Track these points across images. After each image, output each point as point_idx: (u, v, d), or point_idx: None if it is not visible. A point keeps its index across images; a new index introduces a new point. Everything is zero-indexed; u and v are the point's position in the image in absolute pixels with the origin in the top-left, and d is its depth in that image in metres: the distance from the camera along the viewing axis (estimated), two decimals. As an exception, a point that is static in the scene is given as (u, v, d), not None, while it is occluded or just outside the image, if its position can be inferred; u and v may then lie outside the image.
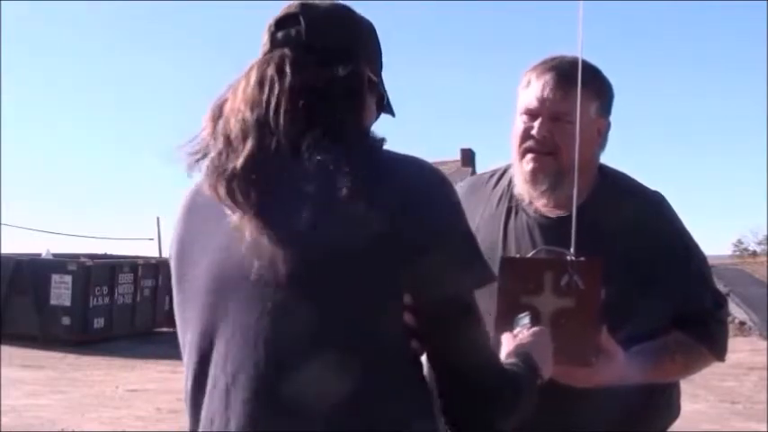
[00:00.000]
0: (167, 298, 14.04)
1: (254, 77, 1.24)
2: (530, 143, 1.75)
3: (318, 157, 1.18)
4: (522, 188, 1.79)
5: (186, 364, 1.26)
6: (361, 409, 1.14)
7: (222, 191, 1.19)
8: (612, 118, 1.83)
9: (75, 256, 13.52)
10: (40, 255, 13.47)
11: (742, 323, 14.47)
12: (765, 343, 12.35)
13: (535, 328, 1.45)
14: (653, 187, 1.86)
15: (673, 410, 1.89)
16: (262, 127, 1.20)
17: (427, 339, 1.20)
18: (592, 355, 1.55)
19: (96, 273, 12.49)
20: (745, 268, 26.45)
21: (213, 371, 1.20)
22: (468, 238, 1.23)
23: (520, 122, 1.78)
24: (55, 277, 12.22)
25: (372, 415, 1.15)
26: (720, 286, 2.08)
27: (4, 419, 6.66)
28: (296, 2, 1.30)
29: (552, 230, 1.74)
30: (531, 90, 1.76)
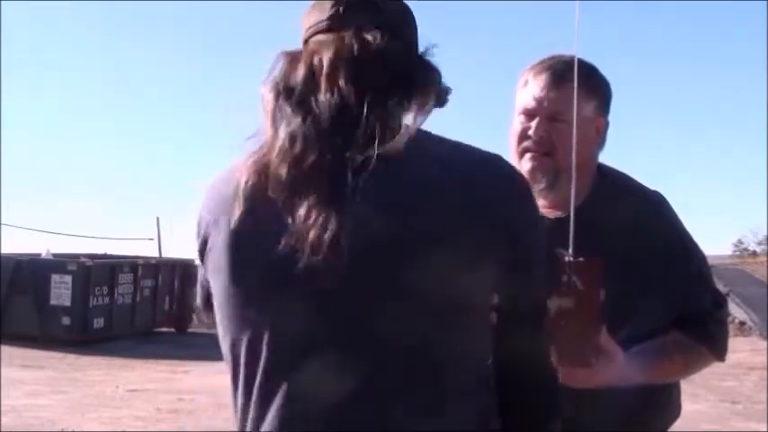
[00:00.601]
0: (167, 298, 14.06)
1: (325, 58, 1.18)
2: (527, 143, 1.75)
3: (406, 145, 1.15)
4: None
5: (246, 363, 1.18)
6: (449, 407, 1.14)
7: (290, 174, 1.13)
8: (613, 117, 1.83)
9: (76, 256, 13.52)
10: (40, 255, 13.48)
11: (742, 323, 14.48)
12: (765, 343, 12.35)
13: None
14: (653, 187, 1.86)
15: (673, 410, 1.89)
16: (339, 110, 1.15)
17: (500, 339, 1.20)
18: (591, 356, 1.55)
19: (96, 273, 12.49)
20: (745, 268, 26.46)
21: (291, 372, 1.15)
22: (544, 240, 1.24)
23: (517, 122, 1.78)
24: (55, 277, 12.22)
25: (461, 413, 1.15)
26: (720, 286, 2.08)
27: (4, 419, 6.66)
28: None
29: (551, 231, 1.74)
30: (529, 90, 1.76)
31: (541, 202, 1.77)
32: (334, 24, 1.22)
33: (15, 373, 9.20)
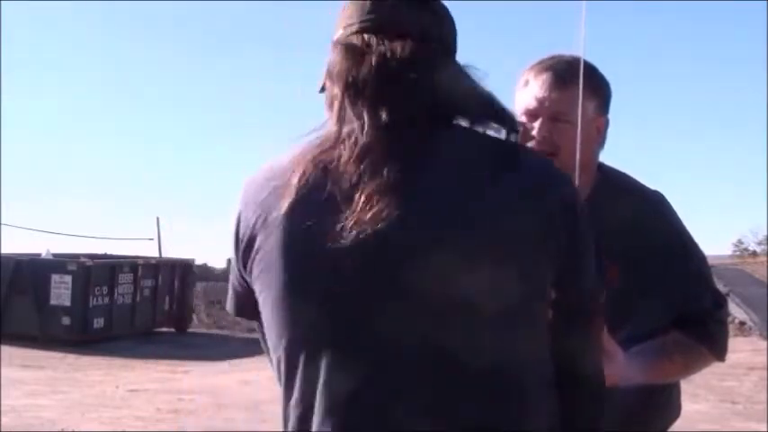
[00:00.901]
0: (167, 298, 14.08)
1: (376, 50, 1.17)
2: (530, 144, 1.75)
3: (464, 138, 1.17)
4: None
5: (303, 362, 1.14)
6: (524, 407, 1.14)
7: (357, 167, 1.11)
8: (612, 116, 1.83)
9: (75, 256, 13.54)
10: (40, 255, 13.49)
11: (742, 323, 14.48)
12: (765, 343, 12.35)
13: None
14: (653, 187, 1.86)
15: (673, 410, 1.89)
16: (396, 101, 1.15)
17: (555, 336, 1.19)
18: None
19: (96, 273, 12.50)
20: (745, 268, 26.46)
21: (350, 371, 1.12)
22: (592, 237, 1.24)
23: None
24: (55, 277, 12.23)
25: (536, 413, 1.15)
26: (720, 286, 2.08)
27: (4, 419, 6.65)
28: None
29: None
30: (530, 90, 1.76)
31: None
32: (385, 25, 1.21)
33: (15, 373, 9.20)
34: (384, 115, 1.14)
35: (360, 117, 1.14)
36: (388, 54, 1.17)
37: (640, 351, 1.66)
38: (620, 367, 1.59)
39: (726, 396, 8.37)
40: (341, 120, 1.16)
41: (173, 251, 18.70)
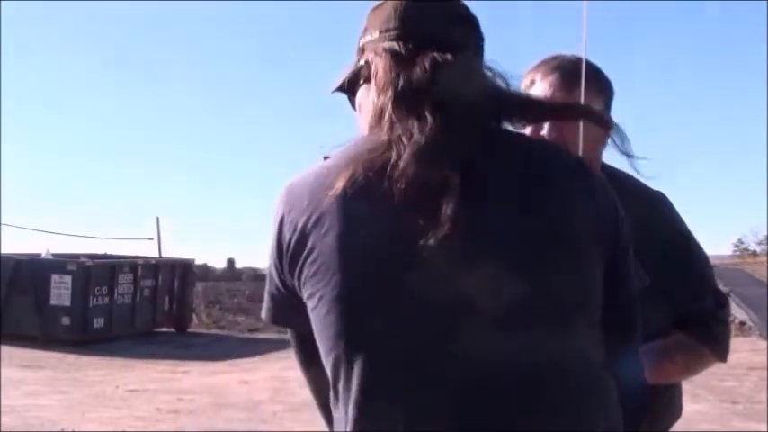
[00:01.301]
0: (167, 298, 14.08)
1: (424, 57, 1.18)
2: None
3: (518, 139, 1.20)
4: None
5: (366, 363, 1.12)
6: (579, 410, 1.14)
7: (417, 168, 1.10)
8: (615, 117, 1.83)
9: (75, 256, 13.54)
10: (39, 255, 13.49)
11: (742, 323, 14.48)
12: (765, 343, 12.34)
13: None
14: (654, 187, 1.86)
15: (675, 411, 1.89)
16: (449, 106, 1.15)
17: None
18: None
19: (96, 273, 12.51)
20: (745, 268, 26.45)
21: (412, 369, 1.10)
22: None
23: None
24: (55, 277, 12.24)
25: (589, 414, 1.15)
26: (720, 286, 2.08)
27: (4, 419, 6.66)
28: None
29: None
30: (537, 90, 1.76)
31: None
32: (425, 30, 1.23)
33: (15, 373, 9.21)
34: (438, 120, 1.13)
35: (414, 121, 1.13)
36: (437, 62, 1.18)
37: (642, 352, 1.66)
38: None
39: (726, 396, 8.37)
40: (392, 123, 1.15)
41: (173, 251, 18.73)
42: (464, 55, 1.21)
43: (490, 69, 1.24)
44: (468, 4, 1.30)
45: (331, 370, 1.16)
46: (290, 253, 1.17)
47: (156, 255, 17.43)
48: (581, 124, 1.62)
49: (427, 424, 1.10)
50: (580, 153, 1.61)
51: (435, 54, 1.18)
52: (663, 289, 1.73)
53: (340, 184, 1.12)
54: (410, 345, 1.10)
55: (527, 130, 1.76)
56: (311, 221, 1.15)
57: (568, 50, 1.80)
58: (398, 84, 1.17)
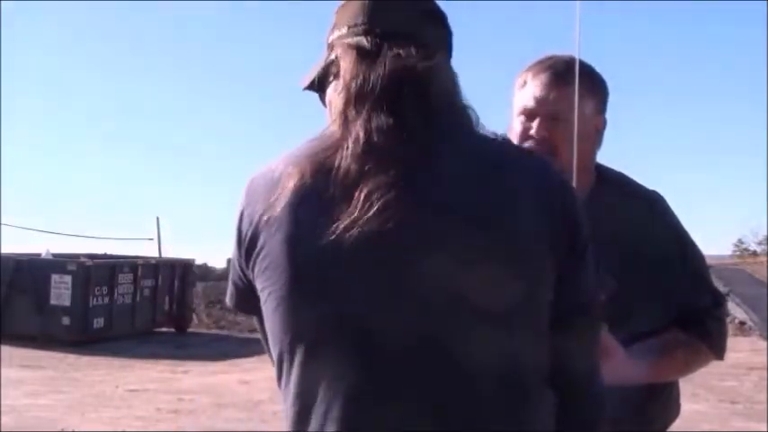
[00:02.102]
0: (167, 298, 14.06)
1: (387, 54, 1.19)
2: (528, 144, 1.75)
3: (464, 141, 1.19)
4: None
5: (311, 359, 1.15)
6: (518, 409, 1.14)
7: (360, 167, 1.13)
8: (613, 117, 1.84)
9: (75, 256, 13.53)
10: (39, 255, 13.48)
11: (742, 323, 14.45)
12: (765, 343, 12.33)
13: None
14: (651, 187, 1.86)
15: (673, 410, 1.89)
16: (402, 104, 1.16)
17: (554, 337, 1.19)
18: None
19: (96, 273, 12.49)
20: (746, 268, 26.42)
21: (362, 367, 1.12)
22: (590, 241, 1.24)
23: (517, 123, 1.78)
24: (55, 277, 12.22)
25: (530, 414, 1.15)
26: (720, 286, 2.09)
27: (4, 419, 6.65)
28: None
29: None
30: (528, 90, 1.76)
31: None
32: (392, 26, 1.23)
33: (15, 373, 9.20)
34: (390, 118, 1.15)
35: (365, 119, 1.15)
36: (399, 59, 1.18)
37: (641, 349, 1.67)
38: (621, 365, 1.59)
39: (726, 396, 8.37)
40: (345, 121, 1.17)
41: (173, 251, 18.71)
42: (429, 52, 1.21)
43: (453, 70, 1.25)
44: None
45: (276, 365, 1.19)
46: (245, 247, 1.21)
47: (156, 255, 17.41)
48: (575, 123, 1.62)
49: (363, 424, 1.12)
50: (574, 153, 1.61)
51: (399, 51, 1.19)
52: (661, 288, 1.74)
53: (290, 185, 1.16)
54: (348, 344, 1.13)
55: (517, 130, 1.77)
56: (263, 220, 1.18)
57: (563, 51, 1.80)
58: (356, 82, 1.18)
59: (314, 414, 1.14)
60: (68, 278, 12.21)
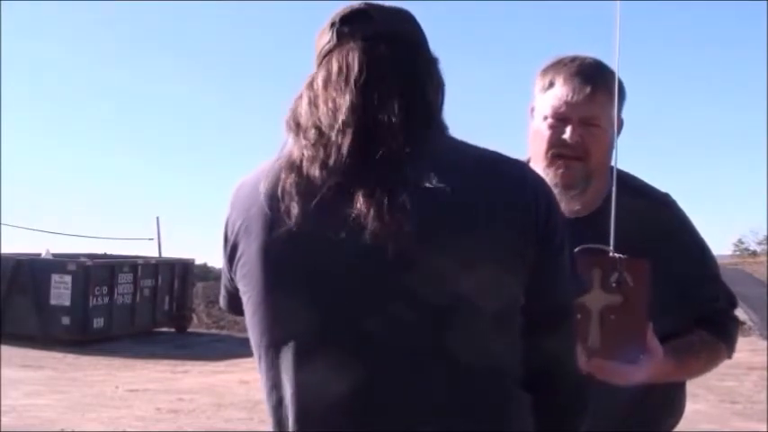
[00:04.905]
0: (167, 298, 14.07)
1: (335, 68, 1.22)
2: (561, 149, 1.73)
3: (432, 146, 1.19)
4: None
5: (290, 363, 1.18)
6: (470, 406, 1.15)
7: (330, 179, 1.15)
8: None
9: (75, 256, 13.54)
10: (39, 255, 13.48)
11: (742, 323, 14.41)
12: (765, 343, 12.35)
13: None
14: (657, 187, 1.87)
15: (676, 412, 1.90)
16: (363, 113, 1.18)
17: (527, 339, 1.19)
18: (638, 353, 1.56)
19: (96, 273, 12.50)
20: (746, 268, 26.45)
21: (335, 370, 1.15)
22: (569, 244, 1.25)
23: (545, 126, 1.75)
24: (55, 277, 12.23)
25: (513, 414, 1.16)
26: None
27: (4, 419, 6.65)
28: (360, 1, 1.29)
29: (577, 230, 1.73)
30: (558, 93, 1.73)
31: (573, 206, 1.77)
32: (333, 43, 1.25)
33: (15, 373, 9.20)
34: (363, 120, 1.17)
35: (339, 129, 1.17)
36: (368, 59, 1.21)
37: (671, 349, 1.67)
38: (660, 366, 1.60)
39: (726, 396, 8.37)
40: (318, 133, 1.19)
41: (173, 251, 18.73)
42: (402, 52, 1.23)
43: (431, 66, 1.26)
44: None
45: (257, 366, 1.23)
46: (228, 253, 1.25)
47: (156, 255, 17.42)
48: (606, 127, 1.63)
49: (339, 422, 1.15)
50: (602, 157, 1.61)
51: (371, 53, 1.21)
52: (679, 290, 1.75)
53: (264, 193, 1.19)
54: (320, 349, 1.15)
55: (546, 134, 1.75)
56: (243, 227, 1.22)
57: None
58: (324, 86, 1.21)
59: (290, 417, 1.18)
60: (68, 278, 12.21)
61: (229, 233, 1.25)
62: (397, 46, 1.24)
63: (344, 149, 1.15)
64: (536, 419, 1.20)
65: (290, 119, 1.22)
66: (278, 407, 1.19)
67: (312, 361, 1.15)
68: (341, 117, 1.17)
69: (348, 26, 1.25)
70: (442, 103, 1.27)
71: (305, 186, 1.16)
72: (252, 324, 1.23)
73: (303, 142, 1.19)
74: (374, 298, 1.14)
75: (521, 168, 1.25)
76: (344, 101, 1.18)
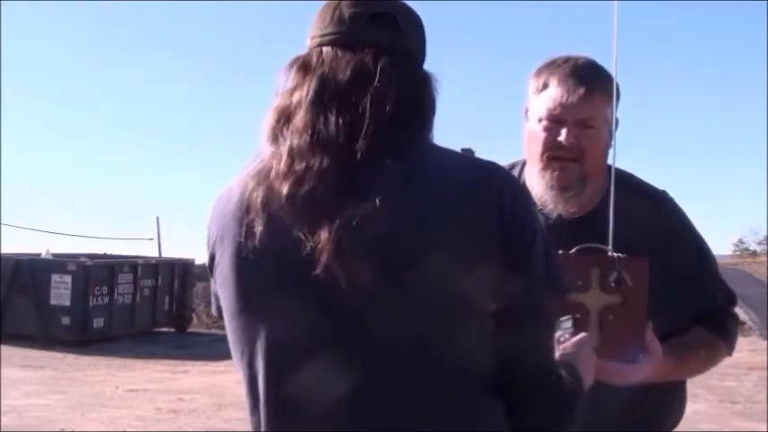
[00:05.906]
0: (167, 298, 14.07)
1: (317, 81, 1.19)
2: (557, 151, 1.72)
3: (414, 161, 1.18)
4: (545, 194, 1.75)
5: (261, 372, 1.21)
6: (443, 408, 1.15)
7: (289, 191, 1.14)
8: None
9: (75, 256, 13.53)
10: (39, 255, 13.47)
11: (742, 323, 14.41)
12: (765, 343, 12.35)
13: (578, 337, 1.43)
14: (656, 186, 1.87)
15: (676, 413, 1.90)
16: (350, 127, 1.16)
17: (502, 342, 1.19)
18: (638, 352, 1.56)
19: (96, 273, 12.49)
20: (745, 268, 26.45)
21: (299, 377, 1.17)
22: (549, 247, 1.23)
23: (540, 128, 1.74)
24: (55, 277, 12.22)
25: (453, 413, 1.16)
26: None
27: (4, 419, 6.65)
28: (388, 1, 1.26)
29: (573, 231, 1.73)
30: (553, 95, 1.73)
31: (570, 207, 1.77)
32: (345, 39, 1.22)
33: (15, 373, 9.20)
34: (334, 129, 1.16)
35: (306, 139, 1.16)
36: (343, 68, 1.19)
37: (670, 347, 1.67)
38: (659, 365, 1.60)
39: (726, 396, 8.38)
40: (276, 143, 1.19)
41: (173, 251, 18.71)
42: (385, 60, 1.20)
43: (420, 75, 1.24)
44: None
45: (239, 373, 1.26)
46: (209, 260, 1.28)
47: (156, 255, 17.41)
48: (602, 127, 1.63)
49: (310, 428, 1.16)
50: (598, 157, 1.62)
51: (340, 63, 1.19)
52: (678, 289, 1.75)
53: (236, 204, 1.20)
54: (287, 356, 1.18)
55: (542, 136, 1.75)
56: (219, 236, 1.24)
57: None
58: (299, 94, 1.20)
59: (262, 426, 1.21)
60: (68, 278, 12.21)
61: (209, 242, 1.27)
62: (389, 60, 1.20)
63: (315, 169, 1.14)
64: (519, 421, 1.20)
65: (269, 127, 1.21)
66: (254, 410, 1.23)
67: (284, 370, 1.17)
68: (318, 136, 1.16)
69: (371, 27, 1.23)
70: (427, 121, 1.24)
71: (271, 201, 1.16)
72: (229, 331, 1.26)
73: (278, 154, 1.18)
74: (338, 310, 1.14)
75: (483, 164, 1.23)
76: (323, 118, 1.16)
